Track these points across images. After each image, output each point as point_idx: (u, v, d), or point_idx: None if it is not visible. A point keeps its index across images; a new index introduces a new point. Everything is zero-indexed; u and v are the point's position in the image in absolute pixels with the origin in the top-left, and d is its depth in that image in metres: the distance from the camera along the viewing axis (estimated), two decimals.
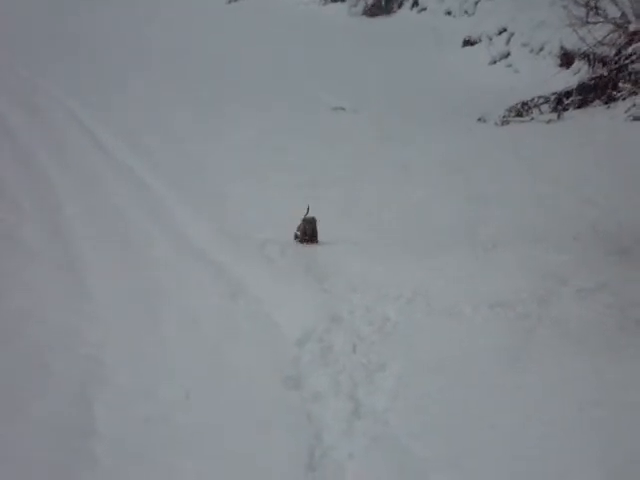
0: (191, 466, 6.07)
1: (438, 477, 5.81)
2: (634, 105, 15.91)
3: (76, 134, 16.40)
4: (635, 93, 16.41)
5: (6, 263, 9.54)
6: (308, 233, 10.35)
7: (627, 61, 16.90)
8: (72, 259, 9.84)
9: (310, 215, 10.42)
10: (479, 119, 16.90)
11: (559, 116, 16.63)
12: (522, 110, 17.09)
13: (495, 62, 21.72)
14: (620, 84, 16.78)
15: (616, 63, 17.12)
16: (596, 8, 16.76)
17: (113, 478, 5.96)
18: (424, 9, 28.10)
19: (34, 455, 6.12)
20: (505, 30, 22.30)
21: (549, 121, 16.47)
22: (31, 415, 6.64)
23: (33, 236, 10.45)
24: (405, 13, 28.96)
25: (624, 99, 16.52)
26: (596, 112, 16.47)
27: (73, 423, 6.60)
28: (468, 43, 23.49)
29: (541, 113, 17.09)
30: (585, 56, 18.22)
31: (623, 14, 16.79)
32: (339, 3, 32.11)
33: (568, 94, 17.19)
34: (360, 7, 30.44)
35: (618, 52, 17.17)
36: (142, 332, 8.11)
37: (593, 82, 17.40)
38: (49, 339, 7.88)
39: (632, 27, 16.63)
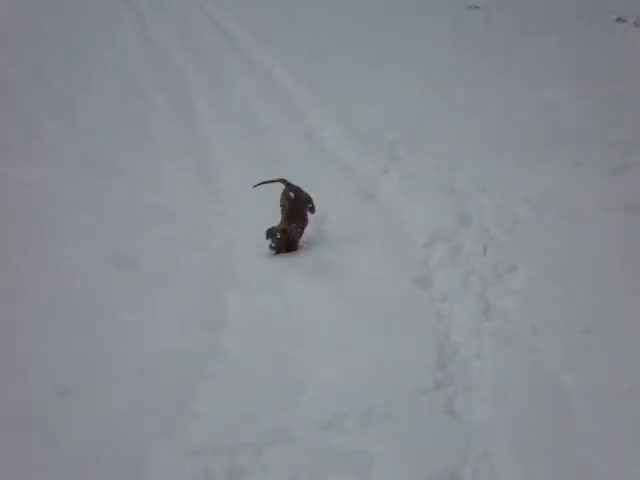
0: (314, 359, 6.13)
1: (569, 379, 5.72)
2: None
3: (210, 33, 16.49)
4: None
5: (139, 159, 9.68)
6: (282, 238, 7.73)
7: None
8: (203, 156, 9.95)
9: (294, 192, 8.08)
10: (617, 19, 16.31)
11: None
12: None
13: None
14: None
15: None
16: None
17: (237, 367, 6.06)
18: None
19: (162, 344, 6.28)
20: None
21: None
22: (159, 305, 6.81)
23: (165, 132, 10.58)
24: None
25: None
26: None
27: (202, 314, 6.74)
28: None
29: None
30: None
31: None
32: None
33: None
34: None
35: None
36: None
37: None
38: (179, 234, 8.02)
39: None
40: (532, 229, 7.93)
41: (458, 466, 4.99)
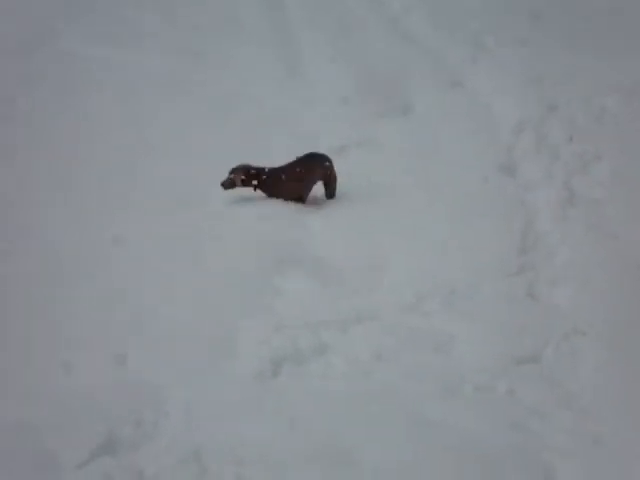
0: (397, 243, 6.23)
1: None
2: None
3: None
4: None
5: (224, 43, 9.69)
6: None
7: None
8: (288, 40, 9.90)
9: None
10: None
11: None
12: None
13: None
14: None
15: None
16: None
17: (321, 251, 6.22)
18: None
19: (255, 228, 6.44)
20: None
21: None
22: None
23: (249, 14, 10.52)
24: None
25: None
26: None
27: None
28: None
29: None
30: None
31: None
32: None
33: None
34: None
35: None
36: (360, 117, 8.20)
37: None
38: (267, 118, 8.08)
39: None
40: (620, 118, 7.83)
41: (540, 348, 5.07)
